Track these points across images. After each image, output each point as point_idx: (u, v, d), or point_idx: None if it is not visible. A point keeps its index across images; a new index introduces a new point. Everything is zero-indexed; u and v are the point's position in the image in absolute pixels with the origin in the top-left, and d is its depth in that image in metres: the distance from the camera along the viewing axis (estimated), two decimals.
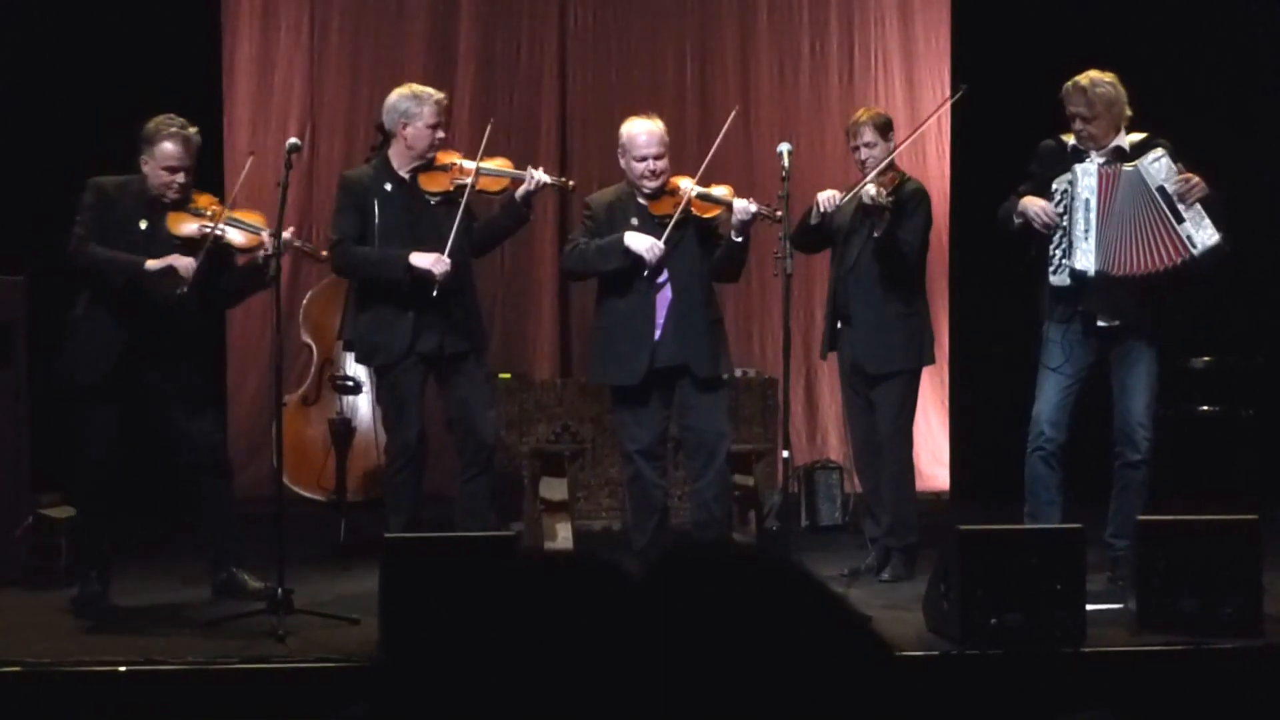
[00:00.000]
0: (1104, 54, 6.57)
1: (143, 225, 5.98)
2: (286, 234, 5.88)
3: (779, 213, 6.12)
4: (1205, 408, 7.80)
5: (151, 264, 5.84)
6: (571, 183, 6.45)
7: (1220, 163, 6.40)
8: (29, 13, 8.30)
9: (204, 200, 6.01)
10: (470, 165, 6.27)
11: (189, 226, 5.92)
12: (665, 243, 6.24)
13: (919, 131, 7.35)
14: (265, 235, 5.88)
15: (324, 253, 6.46)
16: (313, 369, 8.36)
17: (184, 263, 5.82)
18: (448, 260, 6.09)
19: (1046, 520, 6.08)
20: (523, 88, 9.32)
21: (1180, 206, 6.01)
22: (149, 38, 8.38)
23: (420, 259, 6.09)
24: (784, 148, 6.16)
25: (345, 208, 6.32)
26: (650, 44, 9.40)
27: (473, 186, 6.24)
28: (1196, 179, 6.02)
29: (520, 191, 6.27)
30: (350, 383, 7.94)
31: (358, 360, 7.08)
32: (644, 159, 6.32)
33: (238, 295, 6.49)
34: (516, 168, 6.39)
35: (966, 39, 9.19)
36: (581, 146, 9.37)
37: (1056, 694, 5.10)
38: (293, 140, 6.08)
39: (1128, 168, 6.06)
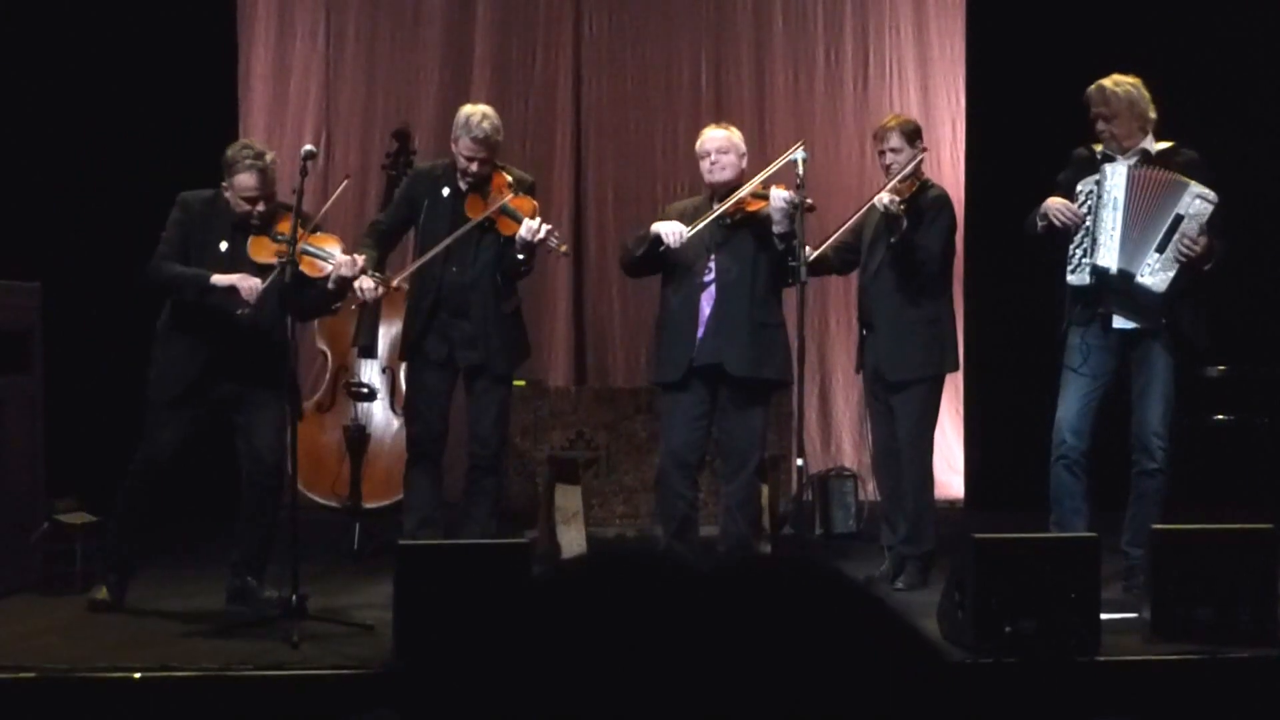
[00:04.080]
0: (1119, 61, 6.56)
1: (223, 247, 5.98)
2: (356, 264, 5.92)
3: (808, 200, 6.12)
4: (1221, 417, 7.77)
5: (217, 279, 5.85)
6: (564, 247, 6.46)
7: (1238, 169, 6.39)
8: (47, 21, 8.33)
9: (286, 224, 5.91)
10: (501, 202, 6.27)
11: (266, 253, 5.92)
12: (701, 232, 6.24)
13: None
14: (335, 262, 5.89)
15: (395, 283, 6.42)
16: (327, 375, 8.36)
17: (248, 284, 5.81)
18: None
19: (1072, 529, 6.05)
20: (538, 95, 9.33)
21: (1169, 243, 6.01)
22: (166, 45, 8.42)
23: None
24: (799, 154, 6.15)
25: (398, 197, 6.56)
26: (665, 51, 9.41)
27: (491, 224, 6.26)
28: (1202, 246, 6.00)
29: (518, 237, 6.17)
30: (365, 389, 7.93)
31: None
32: (704, 155, 6.42)
33: (307, 314, 6.48)
34: (538, 215, 6.23)
35: (981, 47, 9.19)
36: (596, 153, 9.38)
37: (1071, 703, 5.09)
38: (308, 147, 6.04)
39: (1181, 179, 6.05)
